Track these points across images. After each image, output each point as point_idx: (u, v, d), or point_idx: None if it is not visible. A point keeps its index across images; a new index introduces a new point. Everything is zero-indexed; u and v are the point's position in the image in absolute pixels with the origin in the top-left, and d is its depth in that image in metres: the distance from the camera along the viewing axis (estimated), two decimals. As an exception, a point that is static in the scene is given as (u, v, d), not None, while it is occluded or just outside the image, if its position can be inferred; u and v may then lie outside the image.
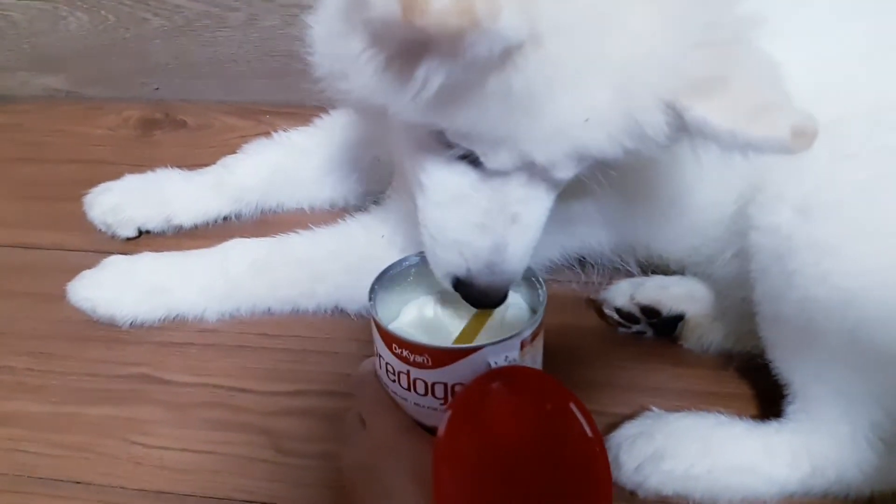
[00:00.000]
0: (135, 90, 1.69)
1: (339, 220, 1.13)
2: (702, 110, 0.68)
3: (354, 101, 0.80)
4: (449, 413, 0.65)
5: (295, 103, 1.52)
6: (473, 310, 0.78)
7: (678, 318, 1.07)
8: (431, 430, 0.72)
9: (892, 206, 0.82)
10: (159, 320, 1.10)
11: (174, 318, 1.10)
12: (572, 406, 0.64)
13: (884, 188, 0.83)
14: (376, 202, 1.15)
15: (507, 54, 0.61)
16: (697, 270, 1.09)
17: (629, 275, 1.14)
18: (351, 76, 0.72)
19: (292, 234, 1.12)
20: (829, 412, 0.88)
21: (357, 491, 0.75)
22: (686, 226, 1.04)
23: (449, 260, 0.79)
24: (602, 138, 0.69)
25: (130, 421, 0.99)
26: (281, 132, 1.32)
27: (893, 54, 0.90)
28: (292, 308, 1.11)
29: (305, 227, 1.13)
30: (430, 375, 0.70)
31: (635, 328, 1.10)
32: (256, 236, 1.13)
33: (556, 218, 0.83)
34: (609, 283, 1.13)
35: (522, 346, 0.70)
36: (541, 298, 0.76)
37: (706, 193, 1.00)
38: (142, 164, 1.32)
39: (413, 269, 0.81)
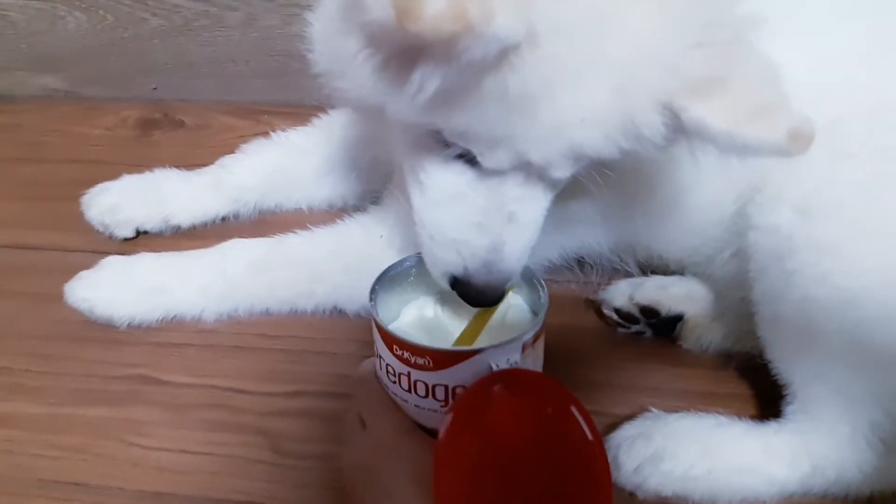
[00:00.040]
0: (133, 90, 1.69)
1: (338, 221, 1.12)
2: (699, 111, 0.68)
3: (352, 100, 0.80)
4: (450, 416, 0.65)
5: (294, 103, 1.52)
6: (474, 310, 0.78)
7: (677, 319, 1.07)
8: (432, 432, 0.72)
9: (892, 205, 0.82)
10: (157, 321, 1.09)
11: (172, 319, 1.10)
12: (573, 409, 0.64)
13: (884, 188, 0.83)
14: (375, 202, 1.15)
15: (502, 56, 0.61)
16: (697, 270, 1.09)
17: (628, 275, 1.13)
18: (348, 75, 0.73)
19: (291, 235, 1.11)
20: (828, 412, 0.87)
21: (357, 491, 0.75)
22: (685, 226, 1.04)
23: (446, 259, 0.79)
24: (598, 138, 0.69)
25: (128, 422, 0.99)
26: (279, 132, 1.32)
27: (893, 54, 0.90)
28: (291, 308, 1.11)
29: (304, 227, 1.12)
30: (432, 377, 0.70)
31: (634, 328, 1.10)
32: (255, 236, 1.12)
33: (555, 218, 0.84)
34: (608, 284, 1.13)
35: (524, 348, 0.70)
36: (542, 301, 0.76)
37: (705, 193, 1.00)
38: (140, 164, 1.32)
39: (413, 270, 0.82)
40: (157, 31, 1.62)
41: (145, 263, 1.12)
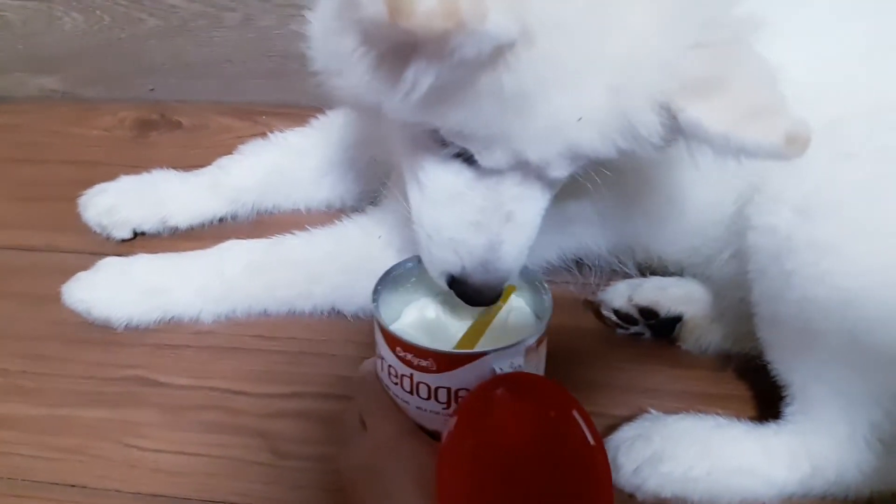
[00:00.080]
0: (130, 91, 1.68)
1: (336, 221, 1.12)
2: (696, 112, 0.68)
3: (349, 98, 0.80)
4: (454, 419, 0.65)
5: (291, 104, 1.52)
6: (475, 312, 0.78)
7: (676, 320, 1.07)
8: (433, 434, 0.72)
9: (891, 206, 0.82)
10: (155, 322, 1.09)
11: (170, 320, 1.09)
12: (575, 413, 0.64)
13: (883, 188, 0.83)
14: (373, 203, 1.15)
15: (497, 54, 0.61)
16: (696, 271, 1.09)
17: (627, 276, 1.14)
18: (345, 73, 0.73)
19: (288, 236, 1.11)
20: (827, 413, 0.88)
21: (357, 493, 0.74)
22: (684, 226, 1.04)
23: (443, 258, 0.79)
24: (595, 138, 0.70)
25: (126, 423, 0.99)
26: (277, 133, 1.31)
27: (893, 54, 0.90)
28: (289, 309, 1.10)
29: (302, 228, 1.12)
30: (434, 380, 0.70)
31: (633, 329, 1.10)
32: (252, 237, 1.12)
33: (554, 219, 0.84)
34: (607, 285, 1.13)
35: (527, 352, 0.70)
36: (546, 305, 0.75)
37: (704, 194, 1.00)
38: (137, 165, 1.31)
39: (415, 270, 0.81)
40: (154, 32, 1.61)
41: (143, 264, 1.11)
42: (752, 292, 0.91)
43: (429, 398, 0.71)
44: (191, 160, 1.35)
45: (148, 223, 1.25)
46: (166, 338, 1.09)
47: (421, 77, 0.62)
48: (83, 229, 1.25)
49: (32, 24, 1.64)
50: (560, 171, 0.75)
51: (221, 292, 1.09)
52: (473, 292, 0.78)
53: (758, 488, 0.88)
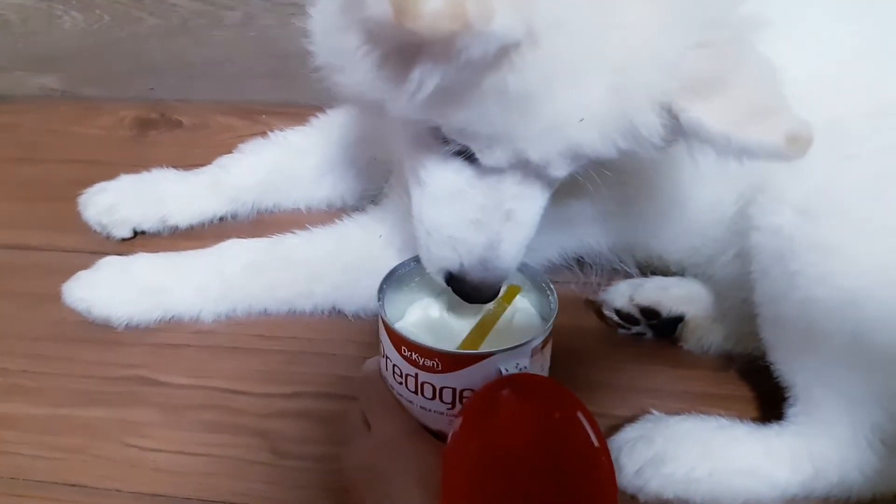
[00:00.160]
0: (131, 90, 1.68)
1: (337, 221, 1.12)
2: (697, 112, 0.68)
3: (351, 95, 0.80)
4: (459, 419, 0.65)
5: (292, 103, 1.51)
6: (479, 312, 0.78)
7: (678, 320, 1.07)
8: (437, 434, 0.72)
9: (892, 206, 0.82)
10: (155, 321, 1.09)
11: (170, 320, 1.09)
12: (580, 415, 0.64)
13: (885, 188, 0.83)
14: (374, 202, 1.15)
15: (502, 54, 0.61)
16: (697, 271, 1.09)
17: (628, 276, 1.14)
18: (348, 70, 0.72)
19: (289, 235, 1.11)
20: (830, 414, 0.87)
21: (359, 493, 0.75)
22: (686, 226, 1.04)
23: (442, 255, 0.80)
24: (596, 138, 0.70)
25: (126, 423, 0.98)
26: (277, 132, 1.31)
27: (894, 54, 0.90)
28: (289, 309, 1.10)
29: (302, 227, 1.12)
30: (439, 380, 0.70)
31: (635, 329, 1.09)
32: (253, 237, 1.12)
33: (555, 218, 0.84)
34: (608, 285, 1.13)
35: (533, 353, 0.70)
36: (552, 306, 0.76)
37: (706, 194, 1.00)
38: (137, 165, 1.31)
39: (419, 270, 0.82)
40: (154, 31, 1.61)
41: (143, 263, 1.11)
42: (755, 293, 0.91)
43: (433, 398, 0.71)
44: (191, 159, 1.35)
45: (148, 222, 1.25)
46: (166, 337, 1.09)
47: (426, 78, 0.62)
48: (83, 228, 1.25)
49: (32, 23, 1.64)
50: (560, 171, 0.75)
51: (222, 291, 1.09)
52: (471, 290, 0.78)
53: (760, 489, 0.88)
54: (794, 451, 0.88)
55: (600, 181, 0.79)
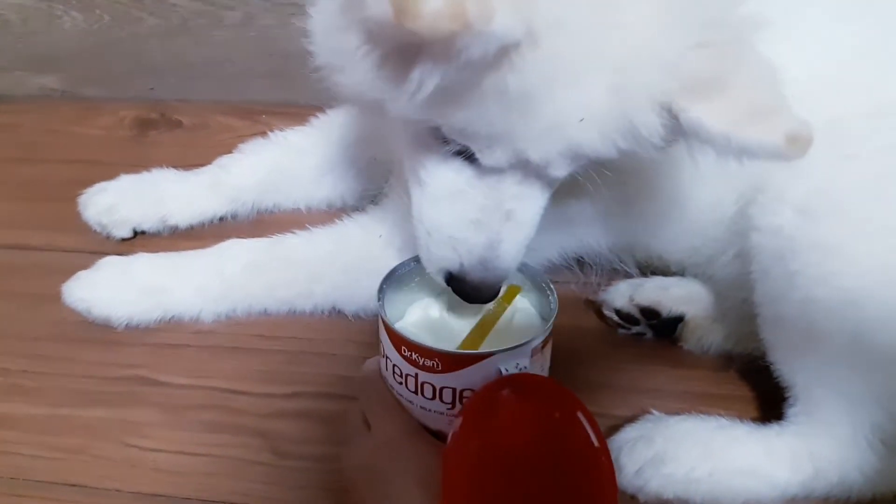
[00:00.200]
0: (131, 90, 1.68)
1: (337, 221, 1.12)
2: (697, 112, 0.68)
3: (351, 95, 0.80)
4: (459, 420, 0.65)
5: (291, 103, 1.51)
6: (479, 312, 0.78)
7: (678, 320, 1.07)
8: (437, 434, 0.72)
9: (892, 206, 0.82)
10: (155, 321, 1.09)
11: (170, 320, 1.09)
12: (580, 415, 0.64)
13: (885, 188, 0.83)
14: (374, 202, 1.15)
15: (502, 54, 0.61)
16: (697, 271, 1.09)
17: (628, 276, 1.13)
18: (348, 70, 0.72)
19: (289, 235, 1.11)
20: (830, 414, 0.87)
21: (359, 493, 0.75)
22: (686, 226, 1.04)
23: (442, 255, 0.80)
24: (596, 138, 0.70)
25: (126, 423, 0.98)
26: (277, 132, 1.31)
27: (894, 54, 0.90)
28: (289, 309, 1.10)
29: (302, 227, 1.12)
30: (439, 380, 0.70)
31: (635, 329, 1.09)
32: (253, 237, 1.12)
33: (555, 218, 0.84)
34: (608, 285, 1.12)
35: (533, 353, 0.70)
36: (552, 306, 0.76)
37: (706, 194, 1.00)
38: (137, 165, 1.31)
39: (419, 270, 0.82)
40: (154, 31, 1.61)
41: (143, 263, 1.11)
42: (755, 293, 0.91)
43: (433, 398, 0.71)
44: (191, 159, 1.34)
45: (148, 222, 1.25)
46: (166, 337, 1.09)
47: (426, 78, 0.62)
48: (83, 228, 1.25)
49: (32, 23, 1.64)
50: (560, 171, 0.76)
51: (221, 291, 1.09)
52: (471, 290, 0.78)
53: (760, 490, 0.88)
54: (794, 451, 0.88)
55: (600, 181, 0.79)
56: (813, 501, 0.88)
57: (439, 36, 0.55)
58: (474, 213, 0.79)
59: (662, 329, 1.08)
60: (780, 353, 0.91)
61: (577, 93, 0.67)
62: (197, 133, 1.57)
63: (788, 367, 0.90)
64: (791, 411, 0.90)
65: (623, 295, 1.09)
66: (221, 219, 1.28)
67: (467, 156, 0.76)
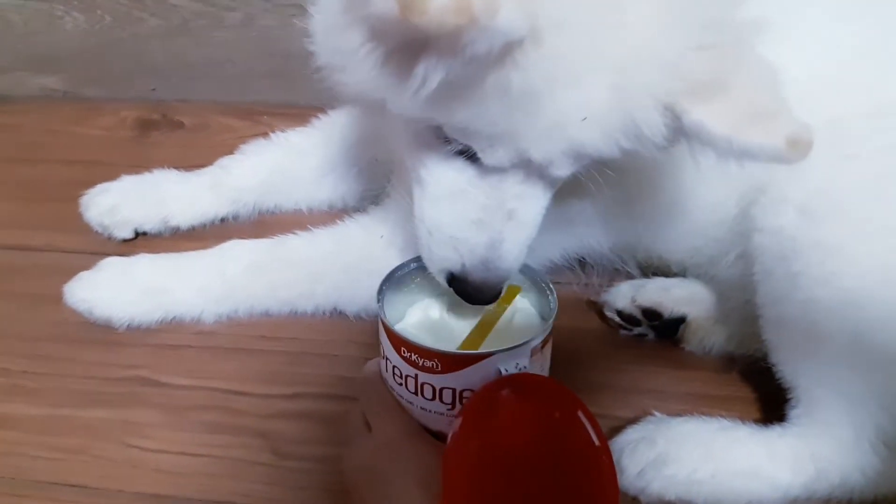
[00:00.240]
0: (132, 90, 1.68)
1: (338, 221, 1.12)
2: (699, 114, 0.68)
3: (353, 94, 0.80)
4: (459, 420, 0.65)
5: (292, 104, 1.51)
6: (479, 313, 0.78)
7: (680, 321, 1.07)
8: (437, 435, 0.72)
9: (894, 205, 0.82)
10: (156, 322, 1.09)
11: (171, 320, 1.09)
12: (580, 414, 0.64)
13: (885, 188, 0.83)
14: (375, 202, 1.15)
15: (506, 51, 0.61)
16: (699, 272, 1.09)
17: (630, 276, 1.13)
18: (350, 69, 0.72)
19: (290, 235, 1.11)
20: (832, 416, 0.87)
21: (360, 494, 0.75)
22: (687, 227, 1.04)
23: (444, 256, 0.80)
24: (599, 137, 0.70)
25: (127, 423, 0.98)
26: (279, 133, 1.31)
27: (894, 54, 0.90)
28: (290, 309, 1.10)
29: (303, 228, 1.12)
30: (439, 380, 0.70)
31: (637, 330, 1.09)
32: (254, 237, 1.12)
33: (556, 218, 0.84)
34: (610, 285, 1.12)
35: (533, 353, 0.70)
36: (552, 306, 0.76)
37: (708, 194, 1.00)
38: (139, 165, 1.31)
39: (419, 271, 0.81)
40: (155, 32, 1.61)
41: (144, 264, 1.11)
42: (758, 294, 0.91)
43: (433, 399, 0.71)
44: (192, 160, 1.35)
45: (149, 223, 1.25)
46: (168, 338, 1.08)
47: (431, 73, 0.62)
48: (85, 229, 1.25)
49: (33, 23, 1.64)
50: (562, 170, 0.75)
51: (223, 292, 1.09)
52: (473, 290, 0.78)
53: (762, 491, 0.88)
54: (796, 452, 0.88)
55: (602, 181, 0.79)
56: (815, 503, 0.88)
57: (444, 31, 0.55)
58: (476, 213, 0.79)
59: (664, 330, 1.08)
60: (782, 354, 0.91)
61: (580, 92, 0.67)
62: (198, 134, 1.57)
63: (790, 368, 0.90)
64: (793, 413, 0.90)
65: (625, 296, 1.09)
66: (223, 220, 1.28)
67: (469, 155, 0.76)
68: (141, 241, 1.26)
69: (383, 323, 0.72)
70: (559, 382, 0.68)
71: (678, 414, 0.95)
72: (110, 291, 1.09)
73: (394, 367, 0.72)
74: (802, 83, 0.69)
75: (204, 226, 1.27)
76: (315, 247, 1.10)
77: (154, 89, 1.68)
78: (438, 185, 0.80)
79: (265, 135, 1.32)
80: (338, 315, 1.10)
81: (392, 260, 0.82)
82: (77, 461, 0.94)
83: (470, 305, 0.79)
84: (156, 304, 1.08)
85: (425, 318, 0.79)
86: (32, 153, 1.52)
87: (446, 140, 0.75)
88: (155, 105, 1.64)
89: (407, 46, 0.63)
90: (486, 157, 0.74)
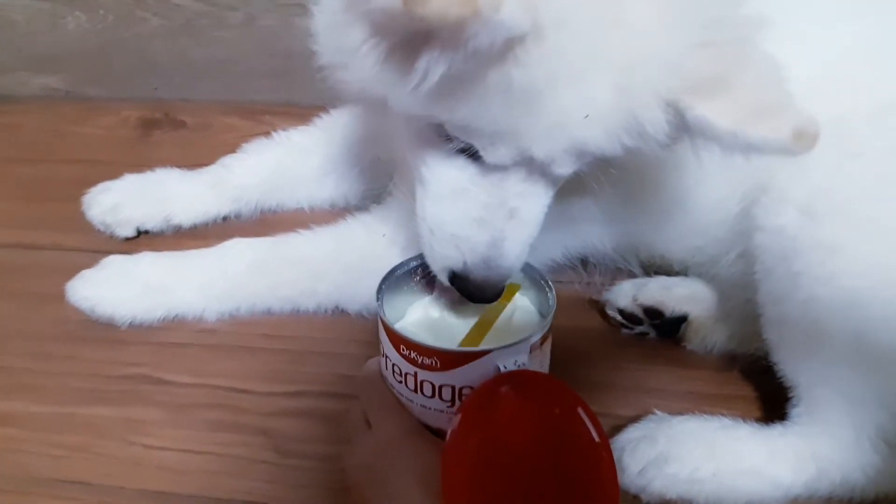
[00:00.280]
0: (134, 90, 1.68)
1: (340, 220, 1.12)
2: (703, 110, 0.68)
3: (355, 92, 0.80)
4: (458, 417, 0.65)
5: (294, 103, 1.52)
6: (479, 311, 0.78)
7: (681, 320, 1.07)
8: (437, 433, 0.72)
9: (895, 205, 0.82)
10: (158, 320, 1.09)
11: (173, 318, 1.09)
12: (580, 411, 0.64)
13: (887, 188, 0.83)
14: (377, 201, 1.15)
15: (508, 47, 0.61)
16: (701, 271, 1.09)
17: (632, 275, 1.13)
18: (352, 67, 0.73)
19: (292, 234, 1.11)
20: (833, 415, 0.87)
21: (361, 491, 0.74)
22: (689, 226, 1.04)
23: (446, 254, 0.80)
24: (601, 135, 0.70)
25: (129, 421, 0.98)
26: (281, 132, 1.32)
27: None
28: (292, 308, 1.10)
29: (305, 226, 1.12)
30: (438, 378, 0.70)
31: (638, 329, 1.09)
32: (256, 236, 1.12)
33: (558, 217, 0.84)
34: (611, 284, 1.12)
35: (532, 350, 0.70)
36: (550, 303, 0.76)
37: (710, 193, 1.00)
38: (141, 164, 1.32)
39: (419, 270, 0.81)
40: (157, 31, 1.62)
41: (147, 263, 1.11)
42: (759, 293, 0.91)
43: (433, 396, 0.71)
44: (194, 159, 1.35)
45: (152, 222, 1.25)
46: (170, 336, 1.09)
47: (433, 67, 0.63)
48: (87, 228, 1.25)
49: (36, 23, 1.64)
50: (565, 169, 0.75)
51: (225, 290, 1.09)
52: (475, 289, 0.78)
53: (763, 490, 0.88)
54: (797, 451, 0.88)
55: (604, 179, 0.79)
56: (816, 502, 0.88)
57: (447, 22, 0.55)
58: (477, 211, 0.79)
59: (666, 329, 1.08)
60: (783, 353, 0.91)
61: (582, 90, 0.67)
62: (200, 133, 1.57)
63: (791, 367, 0.90)
64: (794, 411, 0.90)
65: (626, 295, 1.09)
66: (225, 218, 1.28)
67: (471, 153, 0.76)
68: (143, 240, 1.26)
69: (382, 321, 0.73)
70: (559, 379, 0.68)
71: (679, 412, 0.95)
72: (112, 290, 1.09)
73: (393, 364, 0.72)
74: (803, 82, 0.69)
75: (206, 224, 1.27)
76: (317, 245, 1.10)
77: (156, 89, 1.69)
78: (440, 183, 0.80)
79: (267, 134, 1.32)
80: (339, 313, 1.10)
81: (394, 258, 0.82)
82: (80, 458, 0.94)
83: (470, 303, 0.79)
84: (158, 303, 1.08)
85: (425, 317, 0.79)
86: (34, 153, 1.53)
87: (448, 138, 0.75)
88: (157, 104, 1.64)
89: (409, 41, 0.64)
90: (488, 156, 0.74)
